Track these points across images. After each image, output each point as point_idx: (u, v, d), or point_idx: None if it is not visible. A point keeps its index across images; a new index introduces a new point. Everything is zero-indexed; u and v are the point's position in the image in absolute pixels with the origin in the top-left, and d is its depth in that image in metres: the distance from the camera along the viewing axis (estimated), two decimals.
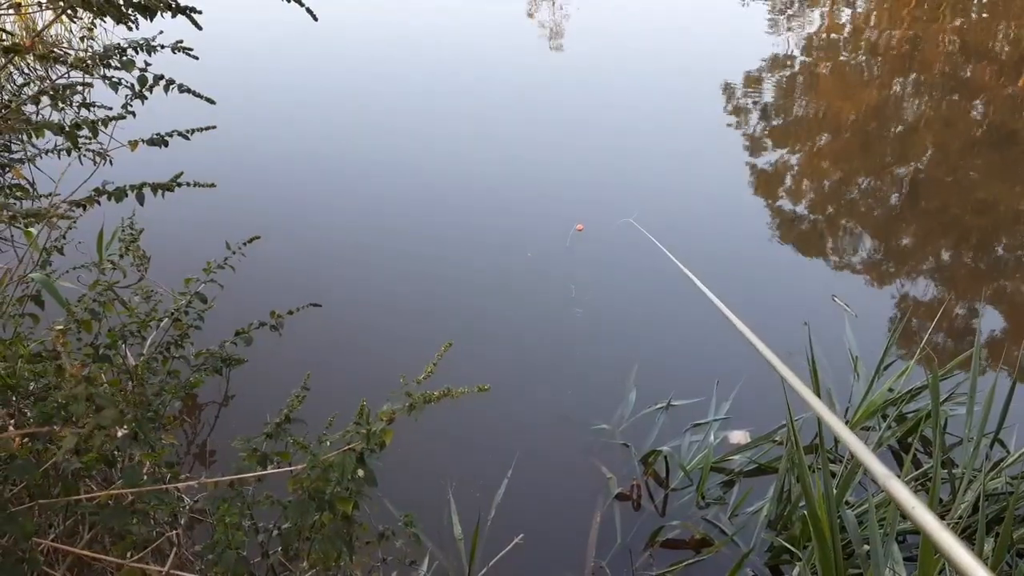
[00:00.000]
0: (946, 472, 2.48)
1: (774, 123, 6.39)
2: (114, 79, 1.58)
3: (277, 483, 1.56)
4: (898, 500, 0.59)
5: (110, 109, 1.71)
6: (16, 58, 1.36)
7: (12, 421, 1.60)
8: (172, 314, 1.86)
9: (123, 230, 2.09)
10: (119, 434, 1.40)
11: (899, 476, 2.53)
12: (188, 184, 1.70)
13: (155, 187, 1.61)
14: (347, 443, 1.43)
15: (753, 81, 7.09)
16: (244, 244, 1.97)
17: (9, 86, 1.98)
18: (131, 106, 1.66)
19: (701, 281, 1.23)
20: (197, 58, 1.73)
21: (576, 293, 3.83)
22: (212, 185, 1.73)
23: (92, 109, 1.67)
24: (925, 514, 0.56)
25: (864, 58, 7.76)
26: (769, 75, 7.30)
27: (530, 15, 9.74)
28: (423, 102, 6.42)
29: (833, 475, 2.46)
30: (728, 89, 6.90)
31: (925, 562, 1.76)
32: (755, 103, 6.66)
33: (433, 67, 7.37)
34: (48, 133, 1.54)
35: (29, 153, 1.92)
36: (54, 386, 1.53)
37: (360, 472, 1.41)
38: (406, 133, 5.79)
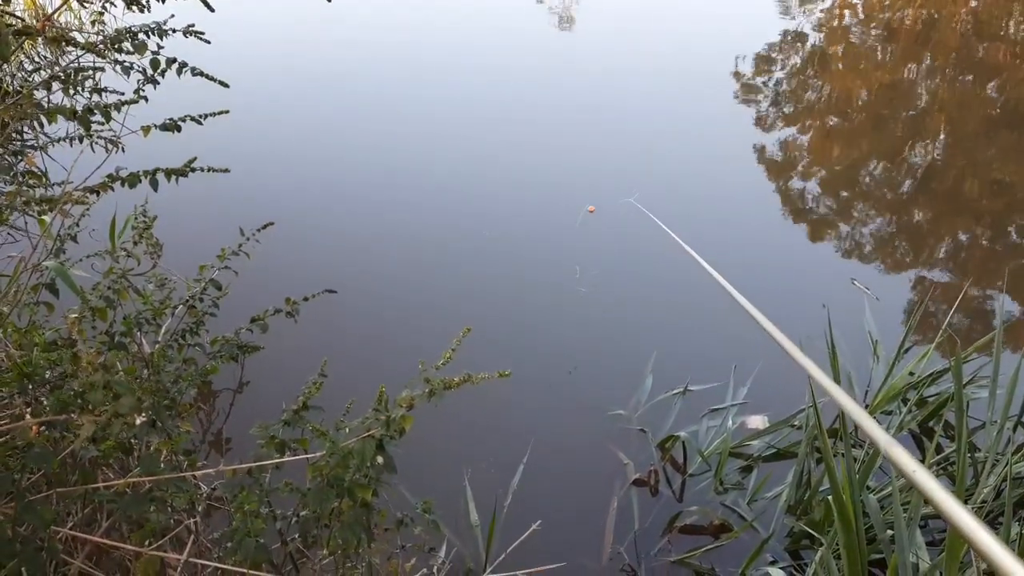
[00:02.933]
0: (969, 456, 2.45)
1: (787, 105, 6.31)
2: (126, 63, 1.55)
3: (295, 470, 1.55)
4: (899, 465, 0.59)
5: (122, 94, 1.69)
6: (27, 43, 1.34)
7: (28, 410, 1.59)
8: (187, 301, 1.85)
9: (136, 217, 2.07)
10: (137, 422, 1.39)
11: (921, 461, 2.50)
12: (202, 169, 1.68)
13: (169, 173, 1.59)
14: (366, 429, 1.41)
15: (766, 61, 7.00)
16: (258, 231, 1.95)
17: (20, 75, 1.96)
18: (143, 91, 1.64)
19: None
20: (209, 42, 1.71)
21: (580, 274, 3.80)
22: (226, 170, 1.71)
23: (104, 94, 1.65)
24: (927, 478, 0.56)
25: (877, 36, 7.65)
26: (782, 55, 7.21)
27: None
28: (433, 90, 6.38)
29: (855, 460, 2.43)
30: (739, 72, 6.82)
31: (953, 543, 1.73)
32: (767, 83, 6.58)
33: (442, 53, 7.32)
34: (60, 123, 1.52)
35: (41, 142, 1.90)
36: (70, 374, 1.52)
37: (379, 459, 1.40)
38: (415, 119, 5.76)
